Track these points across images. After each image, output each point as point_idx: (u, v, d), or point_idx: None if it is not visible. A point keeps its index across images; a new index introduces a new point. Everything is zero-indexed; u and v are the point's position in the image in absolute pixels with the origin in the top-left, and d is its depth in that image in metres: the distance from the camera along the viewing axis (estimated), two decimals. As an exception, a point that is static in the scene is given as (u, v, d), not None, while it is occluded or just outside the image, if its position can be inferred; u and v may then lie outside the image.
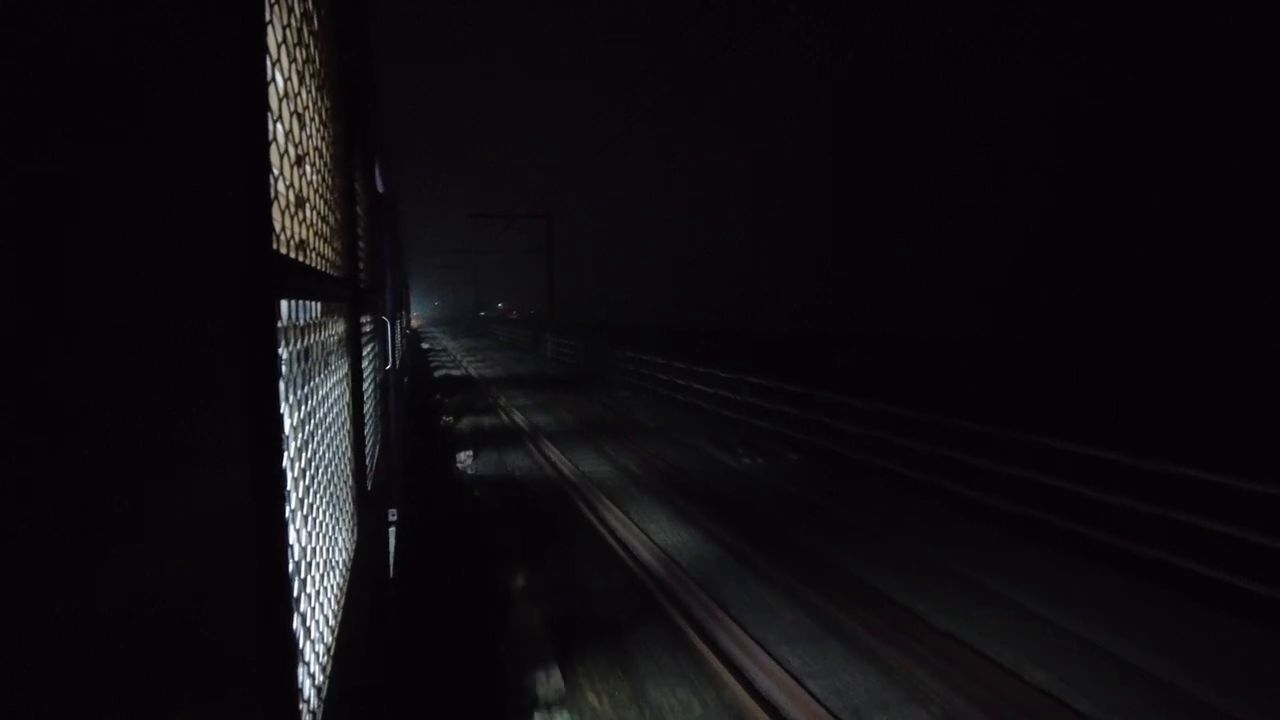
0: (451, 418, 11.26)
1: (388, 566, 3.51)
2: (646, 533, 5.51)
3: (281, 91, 0.85)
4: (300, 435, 0.98)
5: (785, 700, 3.16)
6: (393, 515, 4.78)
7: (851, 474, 7.43)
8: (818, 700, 3.15)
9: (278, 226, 0.83)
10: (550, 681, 3.36)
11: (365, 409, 2.10)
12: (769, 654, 3.56)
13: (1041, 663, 3.54)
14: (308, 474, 1.01)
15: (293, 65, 0.95)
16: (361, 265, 2.15)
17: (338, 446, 1.41)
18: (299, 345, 1.03)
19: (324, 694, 0.93)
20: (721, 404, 10.69)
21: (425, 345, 36.20)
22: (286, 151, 0.89)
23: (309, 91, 1.19)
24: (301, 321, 1.05)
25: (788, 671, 3.39)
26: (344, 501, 1.46)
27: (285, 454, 0.87)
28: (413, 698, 3.32)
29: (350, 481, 1.58)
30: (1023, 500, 5.53)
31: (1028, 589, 4.42)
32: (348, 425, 1.59)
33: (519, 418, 11.29)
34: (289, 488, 0.87)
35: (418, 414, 11.43)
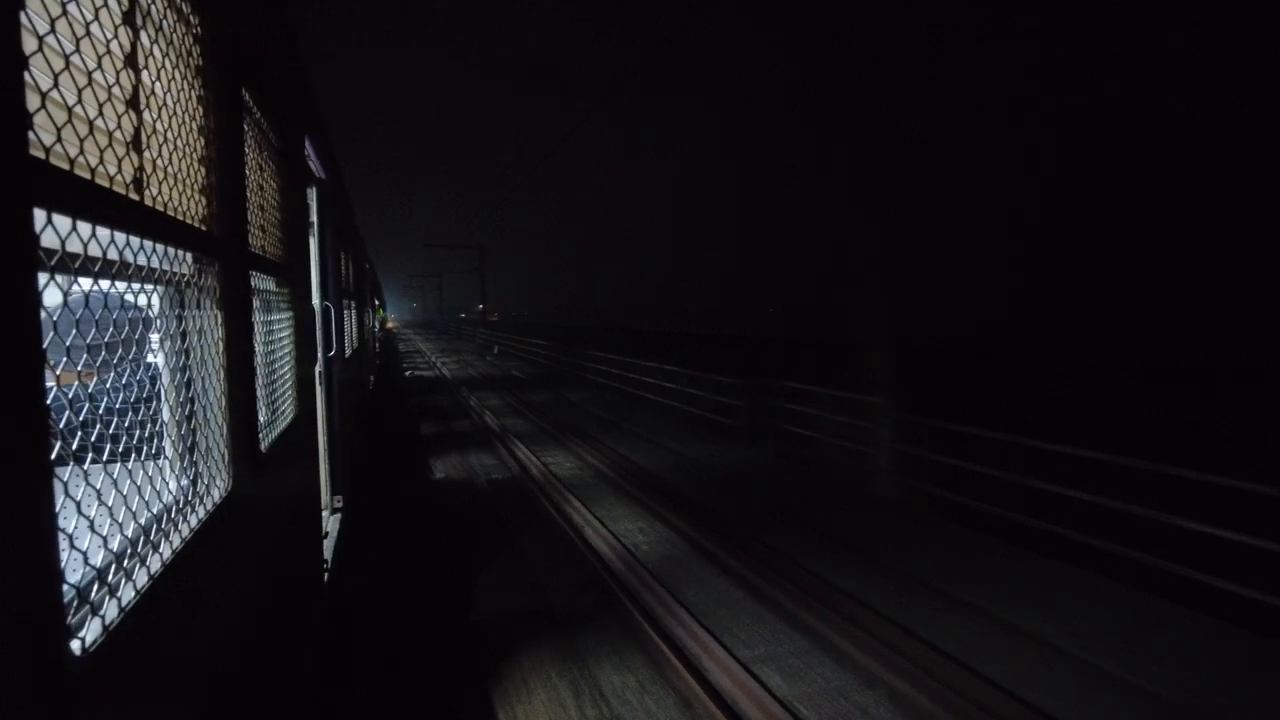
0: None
1: (320, 551, 3.49)
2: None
3: (57, 9, 0.85)
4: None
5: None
6: (338, 502, 4.76)
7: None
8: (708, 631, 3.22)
9: (50, 140, 0.83)
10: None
11: (261, 375, 2.11)
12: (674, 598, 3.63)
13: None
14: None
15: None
16: (258, 231, 2.15)
17: (204, 396, 1.44)
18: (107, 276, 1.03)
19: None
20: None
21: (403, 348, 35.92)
22: (76, 67, 0.89)
23: (155, 33, 1.20)
24: (118, 255, 1.06)
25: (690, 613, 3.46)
26: (211, 450, 1.48)
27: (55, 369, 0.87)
28: (339, 678, 3.30)
29: (224, 434, 1.59)
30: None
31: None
32: (220, 379, 1.61)
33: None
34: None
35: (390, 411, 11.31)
